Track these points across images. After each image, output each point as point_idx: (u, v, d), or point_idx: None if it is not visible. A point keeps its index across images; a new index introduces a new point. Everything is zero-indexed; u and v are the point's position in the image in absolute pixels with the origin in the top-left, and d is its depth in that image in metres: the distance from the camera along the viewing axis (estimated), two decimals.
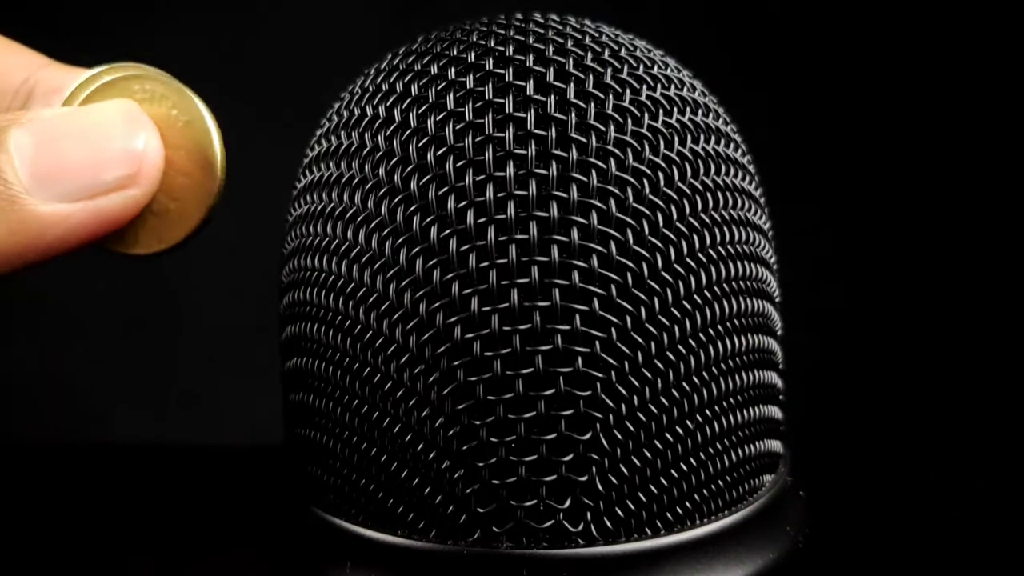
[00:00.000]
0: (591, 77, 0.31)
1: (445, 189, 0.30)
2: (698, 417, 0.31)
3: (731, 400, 0.32)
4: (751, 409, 0.33)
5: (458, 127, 0.31)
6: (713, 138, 0.33)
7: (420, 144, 0.31)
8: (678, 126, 0.32)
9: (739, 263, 0.32)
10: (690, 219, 0.31)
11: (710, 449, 0.32)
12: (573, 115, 0.30)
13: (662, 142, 0.31)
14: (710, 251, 0.31)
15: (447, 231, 0.30)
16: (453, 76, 0.31)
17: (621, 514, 0.30)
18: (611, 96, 0.31)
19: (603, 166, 0.30)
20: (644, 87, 0.32)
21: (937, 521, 0.40)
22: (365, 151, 0.32)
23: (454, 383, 0.30)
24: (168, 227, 0.32)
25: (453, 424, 0.30)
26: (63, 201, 0.30)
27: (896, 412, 0.67)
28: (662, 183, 0.31)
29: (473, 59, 0.32)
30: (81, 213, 0.30)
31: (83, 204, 0.30)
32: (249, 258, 0.55)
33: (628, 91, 0.31)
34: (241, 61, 0.71)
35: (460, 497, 0.30)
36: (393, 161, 0.31)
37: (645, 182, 0.30)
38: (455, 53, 0.32)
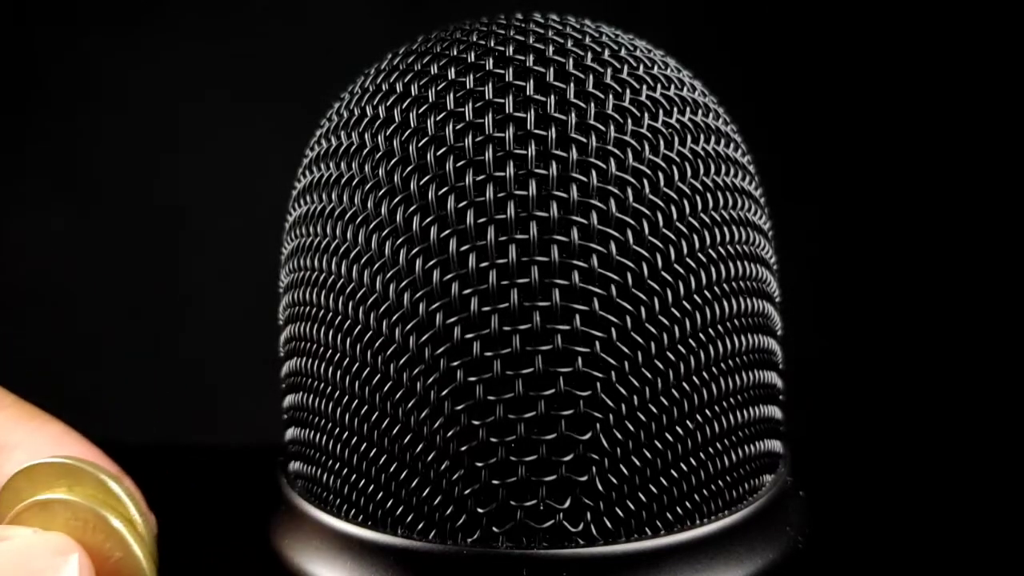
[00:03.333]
0: (591, 77, 0.31)
1: (445, 189, 0.30)
2: (698, 417, 0.31)
3: (731, 400, 0.32)
4: (751, 409, 0.33)
5: (458, 127, 0.31)
6: (713, 138, 0.33)
7: (420, 144, 0.31)
8: (678, 126, 0.32)
9: (739, 263, 0.32)
10: (690, 219, 0.31)
11: (710, 449, 0.32)
12: (573, 115, 0.30)
13: (662, 142, 0.31)
14: (710, 251, 0.31)
15: (447, 231, 0.30)
16: (453, 76, 0.31)
17: (621, 514, 0.30)
18: (611, 96, 0.31)
19: (603, 166, 0.30)
20: (644, 87, 0.32)
21: (937, 521, 0.40)
22: (365, 151, 0.32)
23: (454, 383, 0.30)
24: None
25: (453, 424, 0.30)
26: None
27: (896, 412, 0.67)
28: (662, 183, 0.31)
29: (473, 59, 0.32)
30: None
31: None
32: (249, 258, 0.55)
33: (628, 91, 0.31)
34: (241, 61, 0.71)
35: (460, 497, 0.30)
36: (393, 161, 0.31)
37: (645, 182, 0.30)
38: (455, 53, 0.32)
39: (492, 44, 0.32)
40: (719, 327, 0.31)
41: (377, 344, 0.31)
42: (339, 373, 0.32)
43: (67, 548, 0.29)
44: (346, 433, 0.32)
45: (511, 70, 0.31)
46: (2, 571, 0.28)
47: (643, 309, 0.30)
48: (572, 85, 0.31)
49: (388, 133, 0.31)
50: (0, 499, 0.31)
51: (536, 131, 0.30)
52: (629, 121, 0.31)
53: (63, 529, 0.30)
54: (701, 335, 0.31)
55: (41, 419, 0.34)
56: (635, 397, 0.30)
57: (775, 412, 0.35)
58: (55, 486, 0.31)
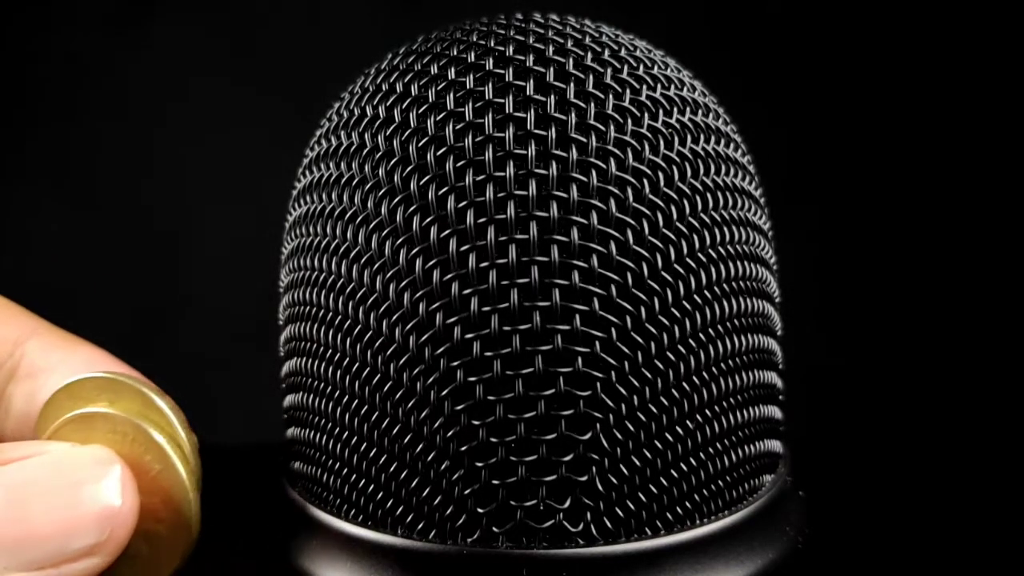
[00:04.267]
0: (591, 77, 0.31)
1: (445, 189, 0.30)
2: (698, 417, 0.31)
3: (731, 400, 0.32)
4: (751, 409, 0.33)
5: (458, 127, 0.31)
6: (713, 138, 0.33)
7: (420, 144, 0.31)
8: (678, 126, 0.32)
9: (739, 263, 0.32)
10: (690, 219, 0.31)
11: (710, 449, 0.32)
12: (573, 115, 0.30)
13: (662, 142, 0.31)
14: (710, 251, 0.31)
15: (447, 231, 0.30)
16: (453, 76, 0.31)
17: (621, 514, 0.30)
18: (611, 96, 0.31)
19: (603, 166, 0.30)
20: (644, 87, 0.32)
21: (937, 521, 0.40)
22: (365, 151, 0.32)
23: (454, 383, 0.30)
24: (141, 569, 0.30)
25: (453, 424, 0.30)
26: (24, 571, 0.27)
27: (896, 412, 0.67)
28: (662, 183, 0.31)
29: (473, 59, 0.32)
30: None
31: (44, 573, 0.27)
32: (249, 258, 0.55)
33: (628, 91, 0.31)
34: (241, 61, 0.71)
35: (460, 497, 0.30)
36: (393, 161, 0.31)
37: (645, 182, 0.30)
38: (455, 53, 0.32)
39: (492, 44, 0.32)
40: (719, 327, 0.31)
41: (377, 344, 0.31)
42: (339, 373, 0.32)
43: (107, 459, 0.29)
44: (346, 433, 0.32)
45: (511, 70, 0.31)
46: (41, 484, 0.28)
47: (643, 309, 0.30)
48: (572, 85, 0.31)
49: (388, 133, 0.31)
50: (41, 416, 0.31)
51: (536, 131, 0.30)
52: (629, 121, 0.31)
53: (102, 442, 0.30)
54: (701, 335, 0.31)
55: (76, 342, 0.34)
56: (635, 397, 0.30)
57: (775, 412, 0.35)
58: (96, 401, 0.31)
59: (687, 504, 0.31)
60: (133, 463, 0.30)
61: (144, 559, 0.30)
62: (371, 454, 0.31)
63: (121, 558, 0.29)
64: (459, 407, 0.30)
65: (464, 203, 0.30)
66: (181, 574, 0.31)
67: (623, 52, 0.33)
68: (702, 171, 0.32)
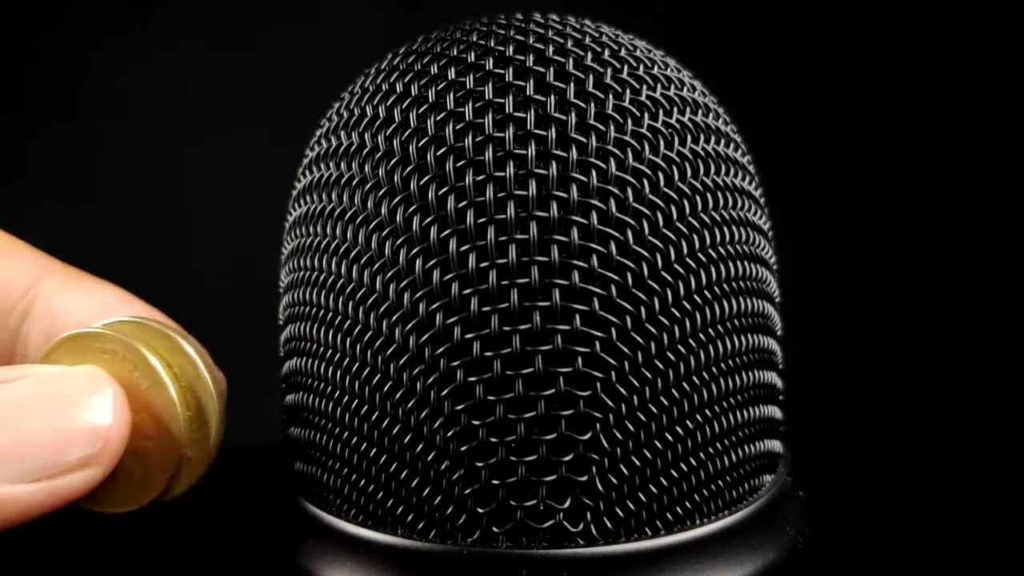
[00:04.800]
0: (591, 77, 0.31)
1: (445, 189, 0.30)
2: (698, 417, 0.31)
3: (731, 400, 0.32)
4: (751, 409, 0.33)
5: (458, 127, 0.31)
6: (713, 138, 0.33)
7: (420, 144, 0.31)
8: (678, 126, 0.32)
9: (739, 263, 0.32)
10: (690, 219, 0.31)
11: (710, 449, 0.32)
12: (573, 115, 0.30)
13: (662, 142, 0.31)
14: (710, 251, 0.31)
15: (447, 231, 0.30)
16: (453, 76, 0.31)
17: (621, 514, 0.30)
18: (611, 96, 0.31)
19: (603, 166, 0.30)
20: (644, 87, 0.32)
21: (937, 521, 0.40)
22: (365, 151, 0.32)
23: (454, 383, 0.30)
24: (134, 489, 0.31)
25: (453, 424, 0.30)
26: (19, 482, 0.27)
27: (896, 413, 0.67)
28: (662, 183, 0.31)
29: (473, 59, 0.32)
30: (37, 494, 0.28)
31: (41, 485, 0.28)
32: (249, 258, 0.55)
33: (628, 91, 0.31)
34: (241, 61, 0.71)
35: (460, 497, 0.30)
36: (393, 161, 0.31)
37: (645, 182, 0.30)
38: (455, 53, 0.32)
39: (492, 44, 0.32)
40: (719, 327, 0.31)
41: (377, 344, 0.31)
42: (339, 373, 0.32)
43: (97, 376, 0.29)
44: (346, 433, 0.32)
45: (511, 70, 0.31)
46: (32, 400, 0.28)
47: (643, 309, 0.30)
48: (572, 85, 0.31)
49: (388, 133, 0.31)
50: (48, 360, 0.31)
51: (536, 131, 0.30)
52: (629, 121, 0.31)
53: (93, 362, 0.30)
54: (701, 335, 0.31)
55: (91, 281, 0.33)
56: (635, 397, 0.30)
57: (775, 412, 0.35)
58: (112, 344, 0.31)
59: (687, 504, 0.31)
60: (123, 380, 0.30)
61: (136, 479, 0.31)
62: (371, 454, 0.31)
63: (113, 478, 0.29)
64: (459, 407, 0.30)
65: (464, 203, 0.30)
66: (181, 569, 0.31)
67: (623, 52, 0.33)
68: (702, 171, 0.32)
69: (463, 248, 0.30)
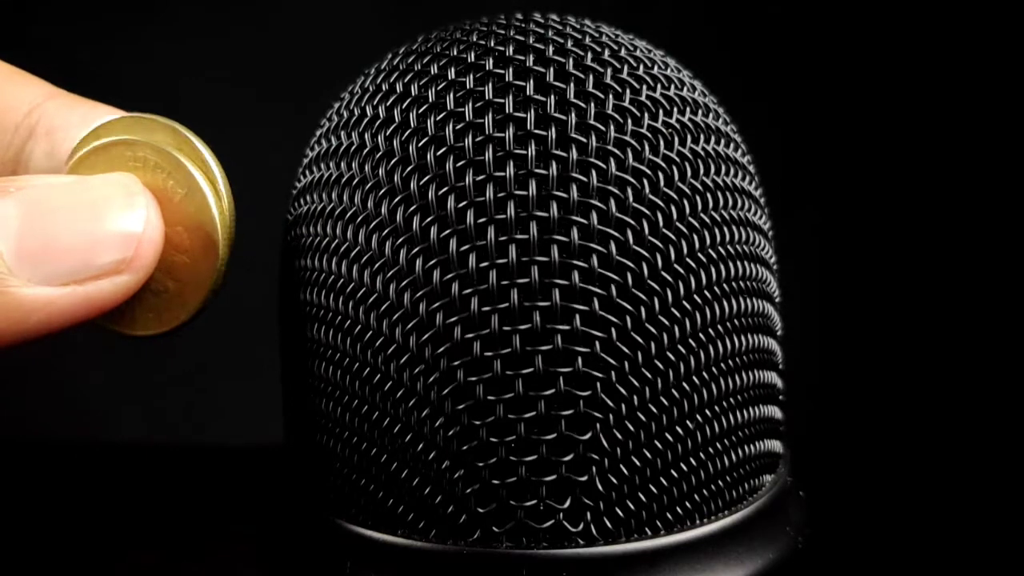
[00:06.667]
0: (591, 77, 0.31)
1: (445, 189, 0.30)
2: (698, 417, 0.31)
3: (731, 400, 0.32)
4: (751, 409, 0.33)
5: (458, 127, 0.31)
6: (713, 138, 0.33)
7: (420, 144, 0.31)
8: (678, 126, 0.32)
9: (739, 263, 0.32)
10: (690, 219, 0.31)
11: (710, 449, 0.32)
12: (573, 115, 0.30)
13: (662, 142, 0.31)
14: (710, 251, 0.31)
15: (447, 231, 0.30)
16: (453, 76, 0.31)
17: (621, 514, 0.30)
18: (611, 96, 0.31)
19: (603, 166, 0.30)
20: (644, 87, 0.32)
21: (937, 521, 0.40)
22: (365, 151, 0.32)
23: (454, 383, 0.30)
24: (167, 307, 0.30)
25: (453, 424, 0.30)
26: (49, 284, 0.27)
27: (896, 413, 0.67)
28: (662, 183, 0.31)
29: (473, 59, 0.32)
30: (68, 298, 0.27)
31: (71, 289, 0.27)
32: (249, 258, 0.55)
33: (628, 91, 0.31)
34: (241, 61, 0.71)
35: (460, 497, 0.30)
36: (393, 161, 0.31)
37: (645, 182, 0.30)
38: (455, 53, 0.32)
39: (492, 44, 0.32)
40: (719, 327, 0.32)
41: (377, 344, 0.31)
42: (339, 373, 0.32)
43: (129, 182, 0.29)
44: (346, 432, 0.32)
45: (511, 70, 0.31)
46: (63, 202, 0.28)
47: (643, 309, 0.30)
48: (572, 85, 0.31)
49: (388, 133, 0.31)
50: (69, 161, 0.30)
51: (536, 131, 0.30)
52: (629, 121, 0.31)
53: (124, 170, 0.29)
54: (701, 335, 0.31)
55: (94, 103, 0.33)
56: (635, 397, 0.30)
57: (775, 412, 0.35)
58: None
59: (687, 504, 0.31)
60: (156, 189, 0.29)
61: (170, 295, 0.30)
62: (371, 454, 0.31)
63: (146, 294, 0.29)
64: (459, 407, 0.30)
65: (464, 203, 0.30)
66: (182, 569, 0.31)
67: (623, 52, 0.33)
68: (702, 171, 0.32)
69: (463, 248, 0.30)
